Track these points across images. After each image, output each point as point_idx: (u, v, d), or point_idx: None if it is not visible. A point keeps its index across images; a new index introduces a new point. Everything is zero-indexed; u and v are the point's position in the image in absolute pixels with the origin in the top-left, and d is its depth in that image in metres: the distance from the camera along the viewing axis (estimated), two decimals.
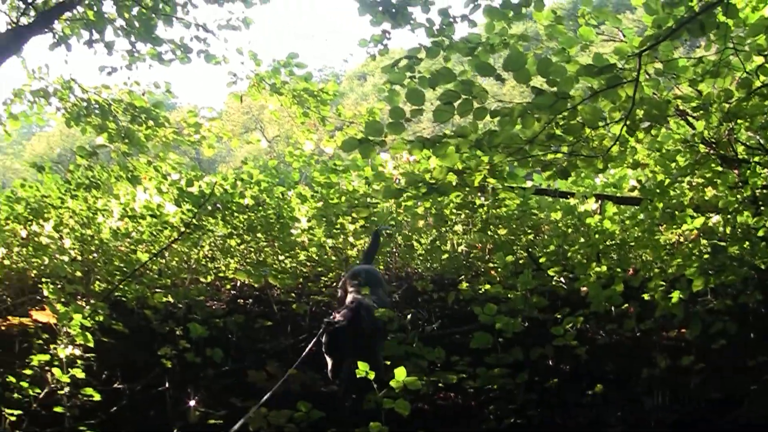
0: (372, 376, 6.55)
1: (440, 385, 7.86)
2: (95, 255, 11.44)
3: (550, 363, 8.30)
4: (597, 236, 10.07)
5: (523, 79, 6.58)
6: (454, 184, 7.59)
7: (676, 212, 9.13)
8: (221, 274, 11.91)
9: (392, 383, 6.48)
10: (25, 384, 7.46)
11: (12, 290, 11.00)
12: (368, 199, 10.93)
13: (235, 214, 11.69)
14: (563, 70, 6.56)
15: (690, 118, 9.46)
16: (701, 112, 8.57)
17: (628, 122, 7.14)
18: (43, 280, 10.04)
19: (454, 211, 11.60)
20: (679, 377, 7.52)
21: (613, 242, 10.31)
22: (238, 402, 7.89)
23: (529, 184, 11.54)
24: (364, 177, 11.56)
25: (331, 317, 7.72)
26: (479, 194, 10.87)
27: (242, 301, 11.08)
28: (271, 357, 8.78)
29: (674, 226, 9.63)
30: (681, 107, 9.19)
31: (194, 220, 11.08)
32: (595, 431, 6.80)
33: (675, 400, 7.20)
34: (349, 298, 8.38)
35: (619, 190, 12.33)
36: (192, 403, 7.94)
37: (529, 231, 11.47)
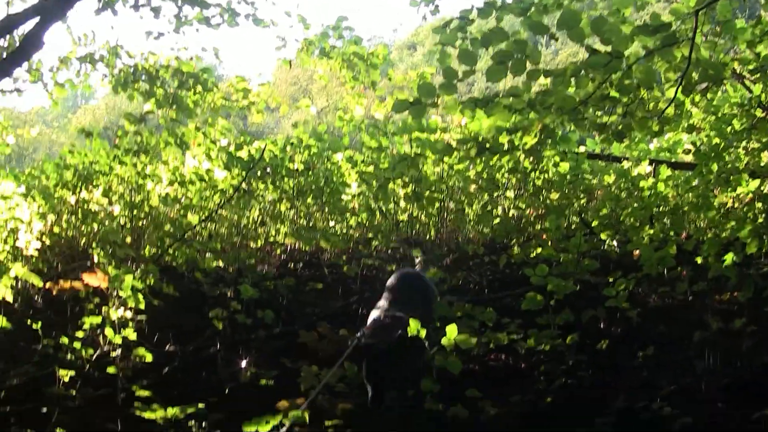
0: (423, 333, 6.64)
1: (491, 346, 7.90)
2: (145, 221, 11.61)
3: (602, 325, 8.38)
4: (651, 199, 10.07)
5: (577, 38, 6.63)
6: (505, 145, 7.65)
7: (731, 176, 9.14)
8: (271, 239, 12.04)
9: (443, 341, 6.53)
10: (78, 345, 7.62)
11: (62, 257, 11.19)
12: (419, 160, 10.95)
13: (285, 179, 11.80)
14: (618, 29, 6.60)
15: (747, 81, 9.46)
16: (759, 75, 8.55)
17: (683, 83, 7.15)
18: (93, 245, 10.22)
19: (506, 175, 11.66)
20: (731, 340, 7.54)
21: (667, 206, 10.32)
22: (289, 363, 7.99)
23: (581, 149, 11.59)
24: (415, 140, 11.59)
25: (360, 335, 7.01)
26: (531, 157, 10.90)
27: (293, 264, 11.20)
28: (322, 319, 8.82)
29: (729, 190, 9.64)
30: (738, 70, 9.18)
31: (243, 185, 11.22)
32: (646, 393, 6.75)
33: (727, 363, 7.20)
34: (373, 314, 7.49)
35: (673, 155, 12.34)
36: (243, 364, 8.07)
37: (582, 195, 11.49)
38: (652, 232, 9.17)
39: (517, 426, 6.61)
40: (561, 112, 7.02)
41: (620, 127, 7.57)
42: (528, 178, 11.53)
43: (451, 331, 6.51)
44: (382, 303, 7.53)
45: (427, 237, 12.12)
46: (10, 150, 14.37)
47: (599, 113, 7.49)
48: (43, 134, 56.96)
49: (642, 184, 10.54)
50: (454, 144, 8.13)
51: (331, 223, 12.01)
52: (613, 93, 7.05)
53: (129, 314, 7.91)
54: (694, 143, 10.93)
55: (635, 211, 9.88)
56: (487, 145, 7.49)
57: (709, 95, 9.21)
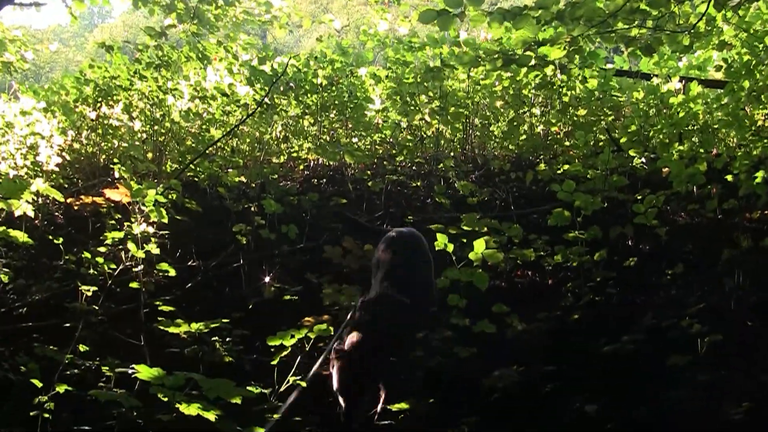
0: (451, 248, 6.63)
1: (518, 262, 7.97)
2: (166, 136, 11.63)
3: (630, 242, 8.39)
4: (680, 117, 10.01)
5: None
6: (532, 59, 7.61)
7: (762, 94, 9.08)
8: (294, 154, 12.05)
9: (471, 255, 6.53)
10: (100, 260, 7.67)
11: (82, 173, 11.24)
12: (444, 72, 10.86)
13: (308, 94, 11.78)
14: None
15: None
16: None
17: None
18: (115, 160, 10.25)
19: (533, 91, 11.61)
20: (761, 258, 7.51)
21: (697, 124, 10.28)
22: (314, 278, 8.07)
23: (609, 66, 11.52)
24: (440, 55, 11.52)
25: (341, 342, 5.99)
26: (558, 73, 10.85)
27: (316, 180, 11.25)
28: (347, 234, 8.80)
29: (760, 107, 9.58)
30: None
31: (266, 99, 11.20)
32: (675, 311, 6.76)
33: (756, 282, 7.17)
34: (371, 293, 6.65)
35: (703, 73, 12.25)
36: (267, 279, 8.13)
37: (610, 113, 11.44)
38: (681, 149, 9.13)
39: (543, 342, 6.64)
40: (590, 24, 6.97)
41: (649, 42, 7.51)
42: (555, 94, 11.47)
43: (479, 245, 6.51)
44: (376, 280, 6.71)
45: (452, 154, 12.10)
46: (27, 67, 14.35)
47: (628, 26, 7.42)
48: (60, 53, 56.91)
49: (672, 100, 10.47)
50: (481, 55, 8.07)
51: (355, 140, 11.99)
52: (644, 6, 6.98)
53: (151, 229, 7.93)
54: (725, 60, 10.83)
55: (665, 128, 9.83)
56: (514, 58, 7.45)
57: (741, 11, 9.10)
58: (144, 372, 4.56)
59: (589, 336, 6.67)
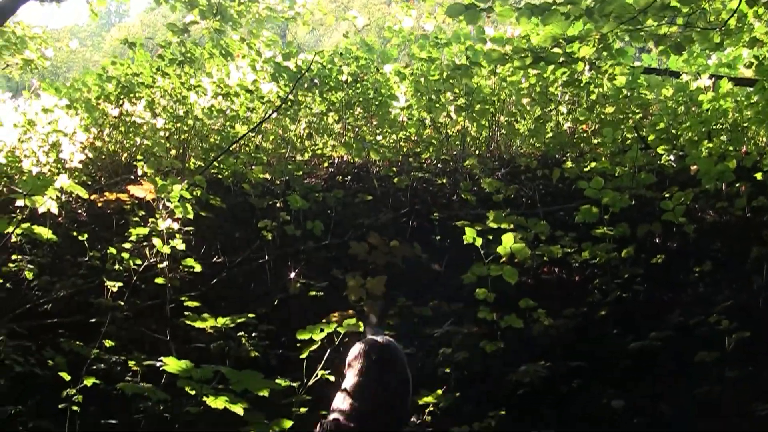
0: (479, 242, 6.74)
1: (545, 259, 8.05)
2: (189, 133, 11.74)
3: (657, 240, 8.42)
4: (710, 114, 10.05)
5: None
6: (561, 56, 7.68)
7: None
8: (318, 152, 12.14)
9: (499, 250, 6.64)
10: (125, 255, 7.79)
11: (105, 171, 11.35)
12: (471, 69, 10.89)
13: (333, 91, 11.87)
14: None
15: None
16: None
17: None
18: (138, 157, 10.38)
19: (560, 88, 11.67)
20: None
21: (726, 122, 10.32)
22: (340, 274, 8.14)
23: (637, 64, 11.57)
24: (466, 51, 11.55)
25: None
26: (587, 69, 10.91)
27: (340, 177, 11.30)
28: (372, 231, 8.81)
29: None
30: None
31: (291, 96, 11.31)
32: (703, 309, 6.85)
33: None
34: (331, 413, 5.23)
35: (733, 70, 12.28)
36: (292, 275, 8.24)
37: (638, 110, 11.46)
38: (710, 146, 9.18)
39: (570, 338, 6.74)
40: (619, 21, 7.04)
41: (679, 40, 7.59)
42: (582, 91, 11.52)
43: (507, 239, 6.61)
44: (339, 397, 5.32)
45: (477, 151, 12.16)
46: (47, 65, 14.48)
47: (658, 24, 7.49)
48: (77, 53, 56.94)
49: (701, 98, 10.50)
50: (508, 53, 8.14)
51: (379, 137, 12.06)
52: (674, 2, 7.05)
53: (176, 225, 8.04)
54: (756, 57, 10.88)
55: (694, 126, 9.85)
56: (542, 55, 7.54)
57: None
58: (172, 364, 4.62)
59: (615, 332, 6.77)
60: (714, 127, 9.89)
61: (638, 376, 6.19)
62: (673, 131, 10.07)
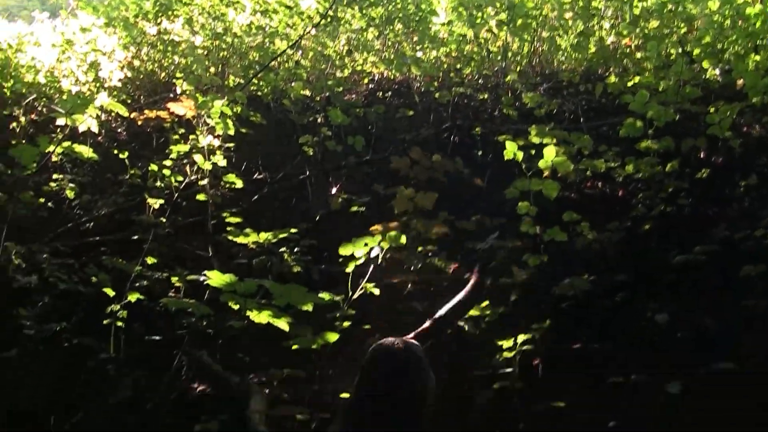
0: (520, 157, 6.70)
1: (588, 173, 8.00)
2: (228, 50, 11.73)
3: (702, 155, 8.30)
4: (757, 27, 9.90)
5: None
6: None
7: None
8: (358, 68, 12.10)
9: (540, 164, 6.62)
10: (167, 172, 7.85)
11: (143, 90, 11.39)
12: None
13: (373, 6, 11.80)
14: None
15: None
16: None
17: None
18: (177, 75, 10.39)
19: (603, 2, 11.55)
20: None
21: None
22: (381, 189, 8.17)
23: None
24: None
25: None
26: None
27: (381, 93, 11.29)
28: (414, 146, 8.66)
29: None
30: None
31: (330, 12, 11.25)
32: (748, 223, 6.78)
33: None
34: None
35: None
36: (334, 190, 8.28)
37: (682, 24, 11.32)
38: (757, 59, 9.06)
39: (614, 251, 6.73)
40: None
41: None
42: (626, 5, 11.38)
43: (549, 153, 6.58)
44: (342, 411, 4.89)
45: (518, 67, 12.07)
46: None
47: None
48: None
49: (748, 11, 10.34)
50: None
51: (419, 53, 11.98)
52: None
53: (217, 142, 8.07)
54: None
55: (740, 39, 9.72)
56: None
57: None
58: (215, 278, 4.60)
59: (660, 247, 6.74)
60: (761, 40, 9.76)
61: (682, 290, 6.17)
62: (719, 45, 9.95)
